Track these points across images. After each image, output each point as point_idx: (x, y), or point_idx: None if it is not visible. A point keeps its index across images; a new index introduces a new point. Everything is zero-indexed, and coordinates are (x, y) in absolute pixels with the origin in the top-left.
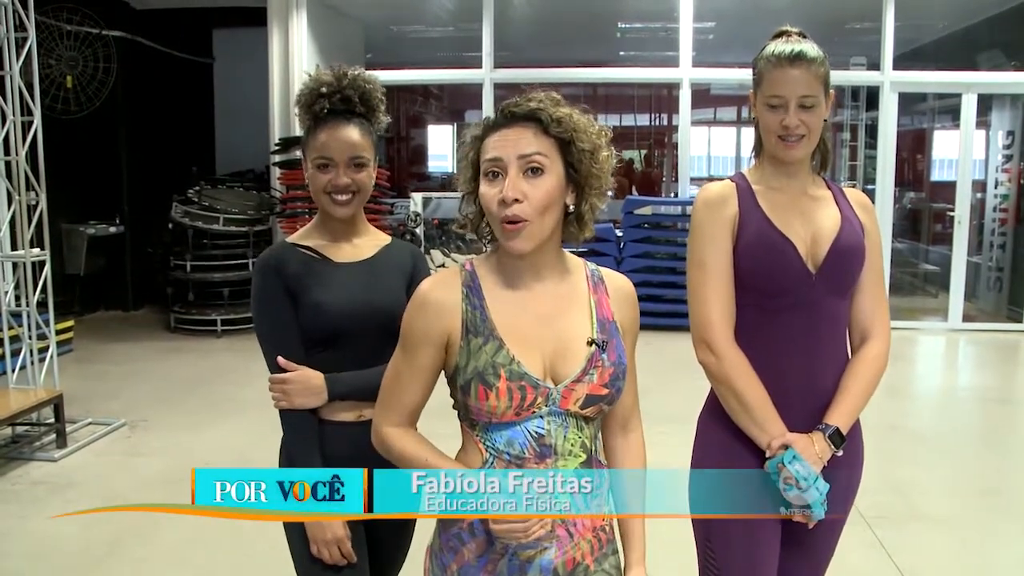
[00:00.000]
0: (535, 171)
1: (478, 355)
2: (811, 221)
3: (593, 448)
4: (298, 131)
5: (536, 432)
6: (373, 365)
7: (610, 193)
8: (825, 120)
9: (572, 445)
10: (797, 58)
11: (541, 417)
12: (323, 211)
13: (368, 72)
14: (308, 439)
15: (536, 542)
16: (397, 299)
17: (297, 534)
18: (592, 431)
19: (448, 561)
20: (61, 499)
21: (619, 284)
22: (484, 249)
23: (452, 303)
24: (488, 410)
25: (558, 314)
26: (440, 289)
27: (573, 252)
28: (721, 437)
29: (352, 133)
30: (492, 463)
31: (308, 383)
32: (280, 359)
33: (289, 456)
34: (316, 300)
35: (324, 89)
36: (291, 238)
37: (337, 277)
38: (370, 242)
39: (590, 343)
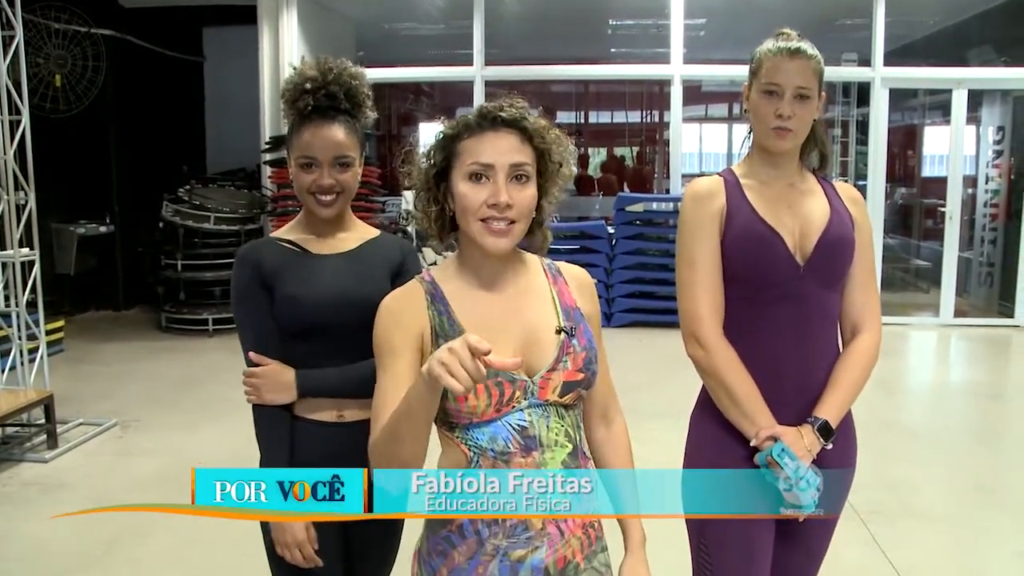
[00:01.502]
0: (520, 178)
1: None
2: (799, 214)
3: (577, 438)
4: None
5: (519, 425)
6: (354, 358)
7: (597, 189)
8: (817, 119)
9: (556, 435)
10: (797, 52)
11: (522, 410)
12: (307, 209)
13: (354, 67)
14: (277, 436)
15: (527, 541)
16: (380, 291)
17: (269, 532)
18: (573, 419)
19: (438, 565)
20: (52, 500)
21: (576, 274)
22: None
23: (418, 312)
24: (468, 410)
25: (523, 308)
26: (404, 299)
27: (565, 247)
28: (713, 432)
29: (337, 132)
30: (477, 462)
31: (278, 378)
32: (252, 354)
33: (260, 452)
34: (290, 292)
35: (308, 84)
36: (275, 232)
37: (315, 269)
38: (355, 236)
39: (559, 331)
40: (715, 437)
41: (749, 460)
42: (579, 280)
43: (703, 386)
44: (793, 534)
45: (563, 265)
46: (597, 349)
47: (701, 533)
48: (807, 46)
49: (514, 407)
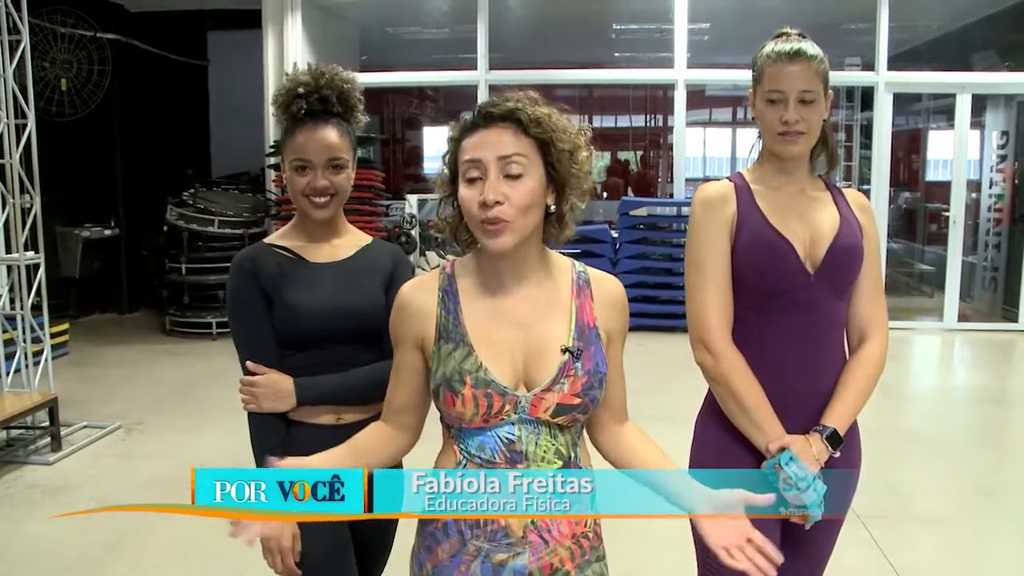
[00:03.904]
0: (516, 174)
1: (447, 361)
2: (809, 221)
3: (571, 455)
4: None
5: (507, 438)
6: (348, 367)
7: (601, 192)
8: (826, 120)
9: (545, 452)
10: (797, 55)
11: (512, 424)
12: (301, 212)
13: (346, 72)
14: (271, 444)
15: (508, 547)
16: (372, 301)
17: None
18: (569, 438)
19: (424, 560)
20: (56, 502)
21: (606, 288)
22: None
23: (428, 307)
24: (456, 416)
25: (535, 320)
26: (417, 292)
27: (567, 251)
28: (718, 436)
29: (330, 134)
30: (465, 465)
31: (276, 386)
32: (249, 363)
33: (255, 460)
34: (289, 302)
35: (301, 89)
36: (268, 238)
37: (311, 278)
38: (349, 243)
39: (564, 351)
40: (720, 442)
41: (753, 465)
42: (609, 295)
43: (708, 391)
44: (796, 540)
45: (596, 276)
46: (608, 373)
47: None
48: (808, 46)
49: (503, 420)
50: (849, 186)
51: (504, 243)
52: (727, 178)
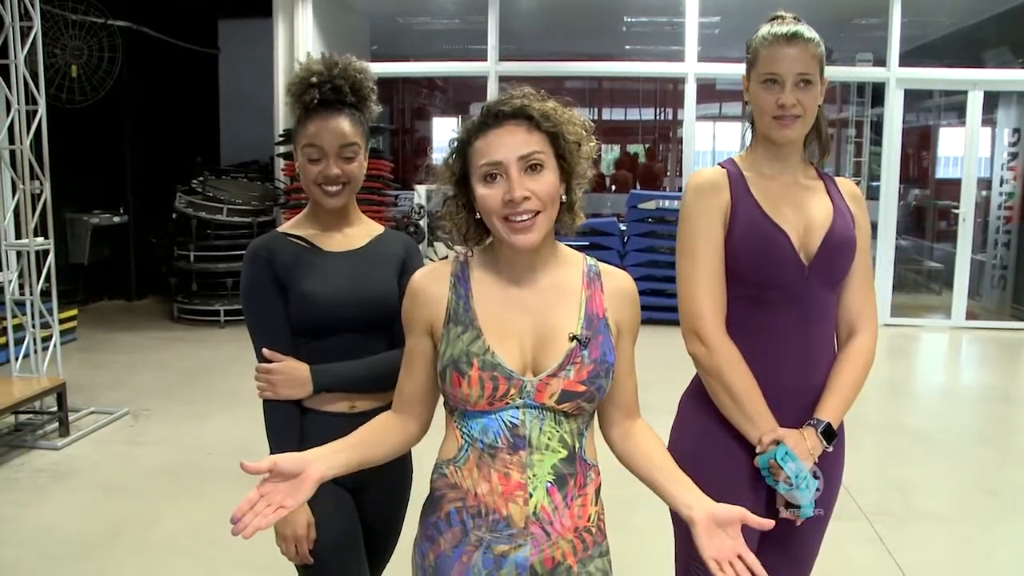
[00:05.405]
0: (535, 167)
1: (455, 343)
2: (803, 211)
3: (577, 445)
4: None
5: (510, 422)
6: (361, 356)
7: (609, 185)
8: (820, 106)
9: (549, 439)
10: (794, 37)
11: (516, 408)
12: (314, 201)
13: (359, 61)
14: (287, 431)
15: (510, 538)
16: (388, 289)
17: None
18: (574, 427)
19: (426, 550)
20: (63, 487)
21: (617, 282)
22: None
23: (439, 293)
24: (462, 397)
25: (545, 308)
26: (429, 279)
27: (576, 243)
28: (700, 420)
29: (343, 124)
30: (467, 450)
31: (293, 374)
32: (266, 350)
33: (269, 447)
34: (305, 290)
35: (315, 79)
36: (282, 228)
37: (327, 267)
38: (362, 232)
39: (571, 338)
40: (702, 426)
41: (734, 453)
42: (619, 288)
43: (695, 376)
44: (783, 540)
45: (606, 269)
46: (616, 364)
47: (690, 552)
48: (804, 29)
49: (508, 404)
50: (858, 183)
51: (533, 239)
52: (719, 164)
